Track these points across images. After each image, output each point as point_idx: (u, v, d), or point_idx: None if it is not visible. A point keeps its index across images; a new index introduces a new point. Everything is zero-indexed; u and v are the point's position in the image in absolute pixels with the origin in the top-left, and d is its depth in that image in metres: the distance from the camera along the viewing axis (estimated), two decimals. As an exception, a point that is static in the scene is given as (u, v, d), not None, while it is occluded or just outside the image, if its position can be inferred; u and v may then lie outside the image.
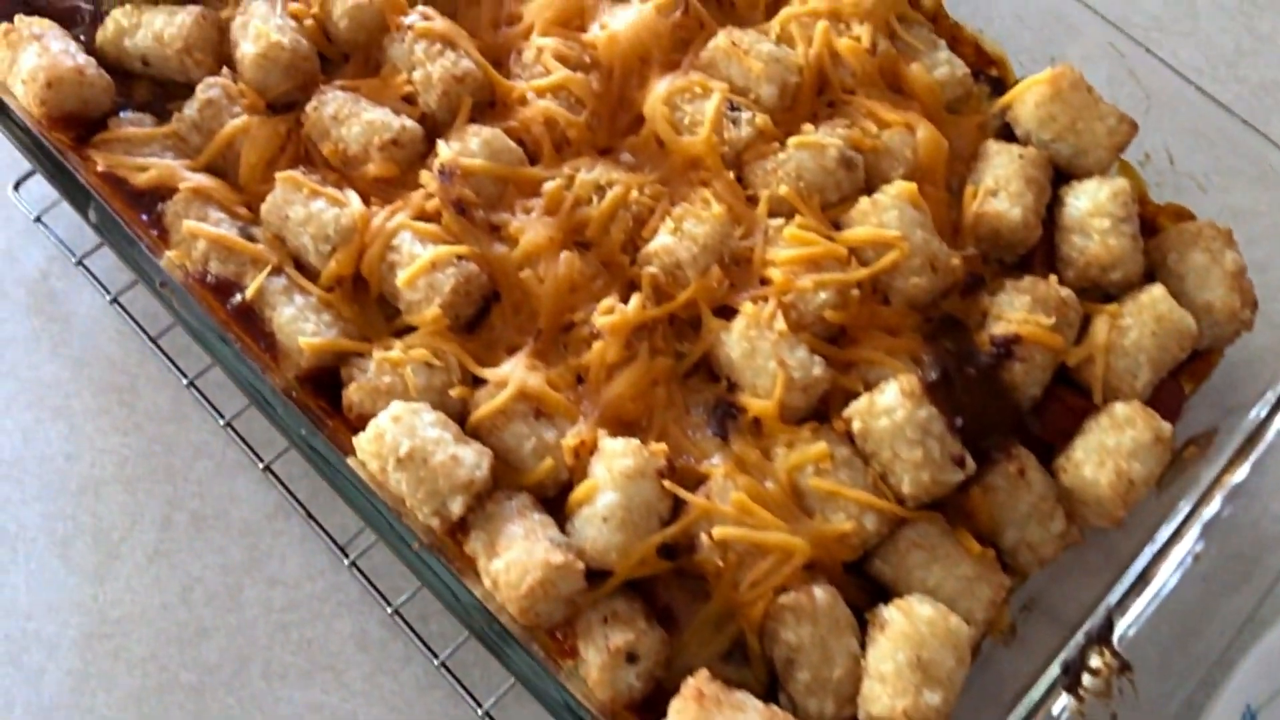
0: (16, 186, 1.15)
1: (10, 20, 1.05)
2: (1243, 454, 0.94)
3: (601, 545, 0.87)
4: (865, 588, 0.92)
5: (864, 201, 0.99)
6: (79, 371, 1.11)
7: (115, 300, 1.10)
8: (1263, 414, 0.96)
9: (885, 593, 0.91)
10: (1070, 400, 0.99)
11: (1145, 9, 1.35)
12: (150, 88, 1.06)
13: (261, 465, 1.04)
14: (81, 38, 1.06)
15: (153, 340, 1.09)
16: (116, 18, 1.05)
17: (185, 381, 1.07)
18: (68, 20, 1.07)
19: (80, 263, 1.11)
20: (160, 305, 0.96)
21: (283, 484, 1.03)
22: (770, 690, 0.88)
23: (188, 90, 1.05)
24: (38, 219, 1.14)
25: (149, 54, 1.04)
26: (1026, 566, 0.94)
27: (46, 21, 1.03)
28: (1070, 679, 0.86)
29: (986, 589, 0.90)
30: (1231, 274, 1.00)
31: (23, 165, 1.15)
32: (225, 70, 1.04)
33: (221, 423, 1.06)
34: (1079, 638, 0.87)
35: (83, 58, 1.01)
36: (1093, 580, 0.92)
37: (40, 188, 1.14)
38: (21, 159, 1.08)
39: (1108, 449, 0.93)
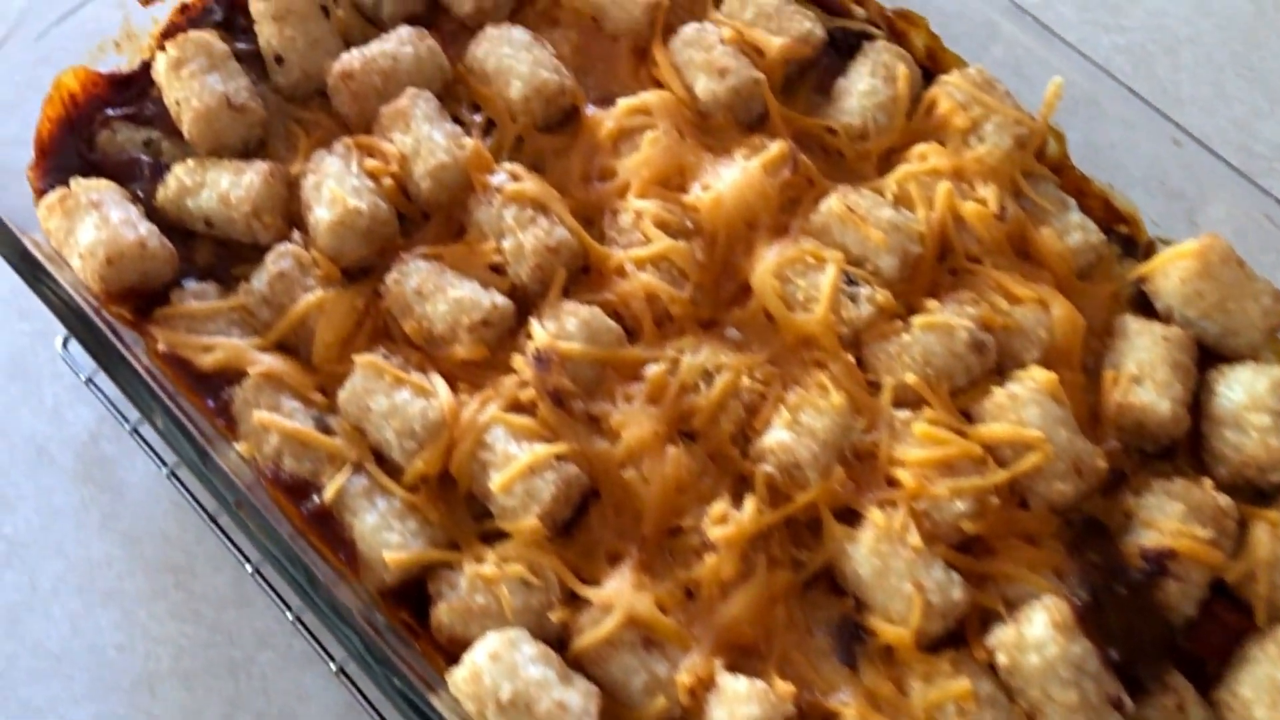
0: (65, 344, 1.07)
1: (65, 177, 0.97)
2: None
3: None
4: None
5: (1000, 394, 0.90)
6: (132, 549, 1.03)
7: (173, 474, 1.02)
8: None
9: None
10: (1227, 617, 0.90)
11: None
12: (213, 248, 0.98)
13: (334, 667, 0.95)
14: (139, 193, 0.98)
15: (212, 520, 1.00)
16: (179, 175, 0.96)
17: (249, 569, 0.98)
18: (126, 174, 0.98)
19: (135, 431, 1.03)
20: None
21: (357, 689, 0.95)
22: None
23: (253, 251, 0.97)
24: (89, 381, 1.05)
25: (213, 216, 0.96)
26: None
27: (104, 183, 0.95)
28: None
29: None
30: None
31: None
32: (296, 234, 0.96)
33: (290, 616, 0.97)
34: None
35: (144, 227, 0.92)
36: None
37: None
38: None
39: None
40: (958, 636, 0.86)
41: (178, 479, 1.02)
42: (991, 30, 1.06)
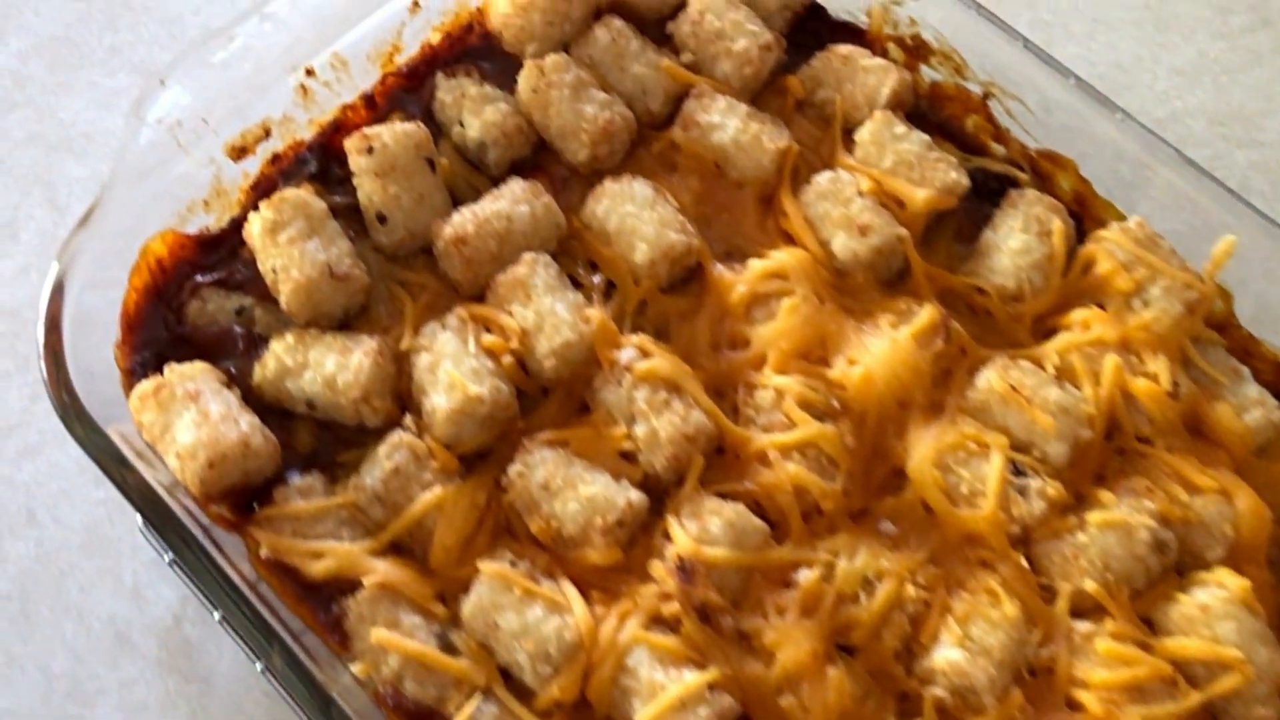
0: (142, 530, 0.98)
1: (154, 354, 0.89)
2: None
3: None
4: None
5: (1189, 604, 0.83)
6: (222, 750, 0.95)
7: (268, 669, 0.93)
8: None
9: None
10: None
11: None
12: (314, 430, 0.90)
13: None
14: (233, 370, 0.90)
15: None
16: (278, 354, 0.88)
17: (354, 773, 0.90)
18: (218, 349, 0.90)
19: (224, 621, 0.94)
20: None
21: None
22: None
23: (359, 434, 0.89)
24: (173, 562, 0.97)
25: (317, 399, 0.87)
26: None
27: (199, 368, 0.87)
28: None
29: None
30: None
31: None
32: (407, 417, 0.87)
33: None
34: None
35: (245, 421, 0.84)
36: None
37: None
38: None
39: None
40: None
41: (273, 674, 0.94)
42: (1139, 170, 0.98)
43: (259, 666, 0.93)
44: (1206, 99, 1.22)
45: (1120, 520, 0.84)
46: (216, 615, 0.94)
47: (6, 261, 1.11)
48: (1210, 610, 0.82)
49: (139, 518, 0.98)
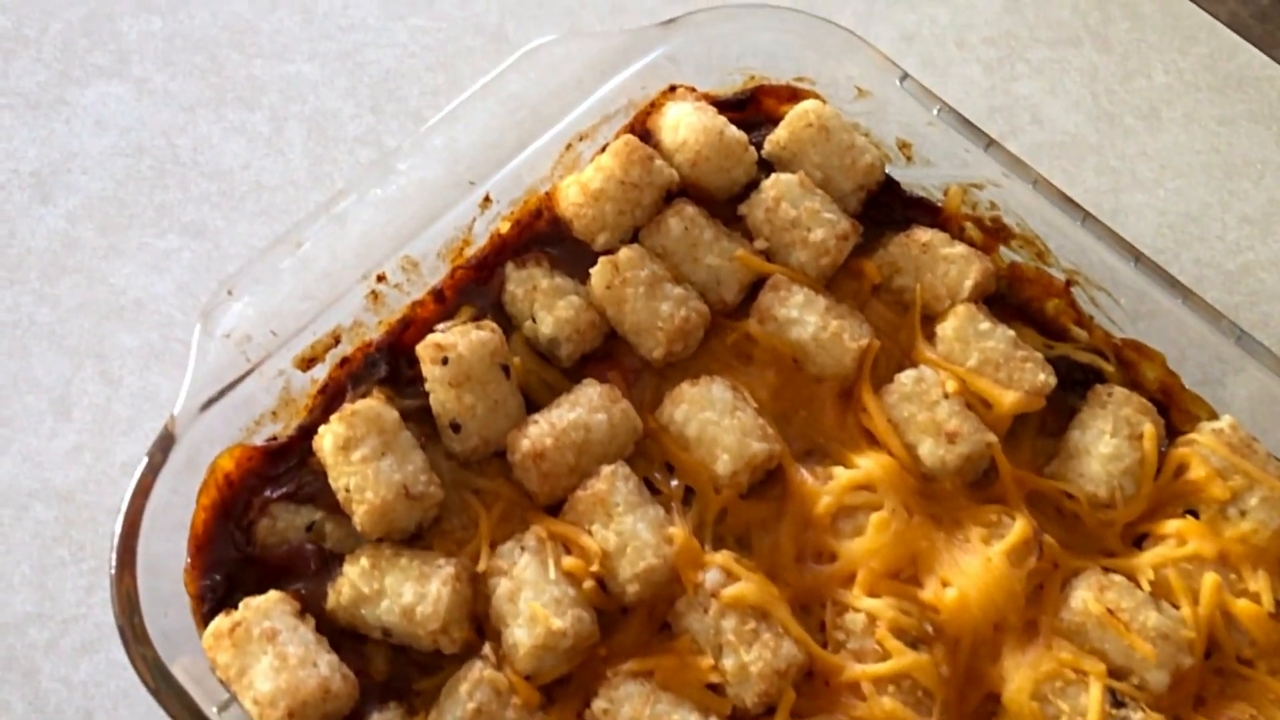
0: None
1: (223, 577, 0.87)
2: None
3: None
4: None
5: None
6: None
7: None
8: None
9: None
10: None
11: None
12: (388, 655, 0.87)
13: None
14: (304, 590, 0.87)
15: None
16: (354, 581, 0.85)
17: None
18: (290, 569, 0.88)
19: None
20: None
21: None
22: None
23: (433, 660, 0.86)
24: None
25: (393, 628, 0.85)
26: None
27: (273, 599, 0.84)
28: None
29: None
30: None
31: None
32: (486, 646, 0.85)
33: None
34: None
35: (324, 662, 0.81)
36: None
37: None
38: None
39: None
40: None
41: None
42: (1225, 363, 0.96)
43: None
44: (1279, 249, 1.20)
45: (1228, 757, 0.82)
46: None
47: (59, 441, 1.08)
48: None
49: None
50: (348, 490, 0.87)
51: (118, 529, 0.83)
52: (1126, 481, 0.91)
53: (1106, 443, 0.92)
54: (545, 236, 1.00)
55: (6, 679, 0.99)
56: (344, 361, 0.94)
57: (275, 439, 0.92)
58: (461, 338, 0.90)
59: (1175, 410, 0.97)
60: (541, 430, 0.89)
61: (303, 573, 0.88)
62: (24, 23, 1.26)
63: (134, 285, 1.15)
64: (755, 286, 0.98)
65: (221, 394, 0.87)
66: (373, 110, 1.24)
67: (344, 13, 1.29)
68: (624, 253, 0.95)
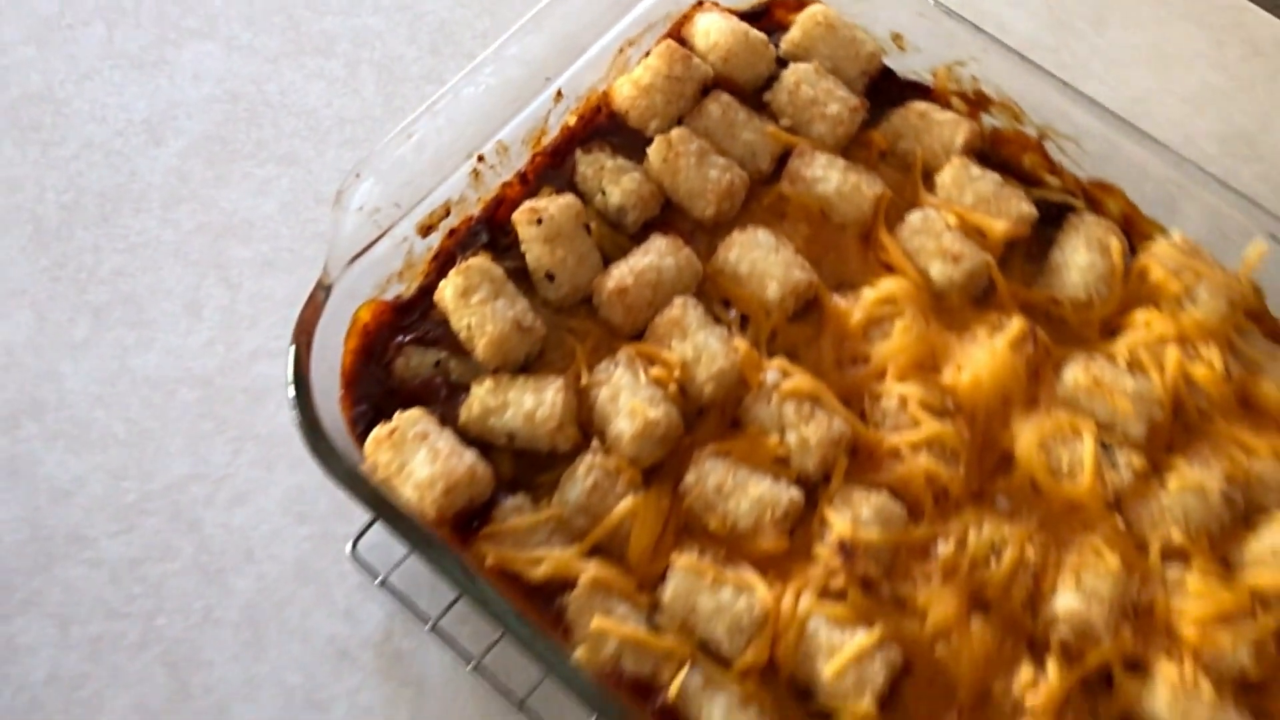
0: (354, 547, 1.14)
1: (369, 406, 1.05)
2: None
3: None
4: None
5: (1259, 547, 1.00)
6: (443, 739, 1.10)
7: (477, 667, 1.09)
8: None
9: None
10: None
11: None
12: (512, 460, 1.06)
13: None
14: (436, 413, 1.06)
15: (523, 704, 1.07)
16: (481, 398, 1.04)
17: (565, 746, 1.06)
18: (424, 397, 1.06)
19: (434, 628, 1.10)
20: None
21: None
22: None
23: (548, 460, 1.05)
24: (382, 582, 1.12)
25: (517, 432, 1.04)
26: None
27: (417, 413, 1.02)
28: None
29: None
30: None
31: (354, 525, 1.15)
32: (594, 442, 1.04)
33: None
34: None
35: (468, 454, 1.00)
36: None
37: (378, 550, 1.14)
38: (359, 512, 1.12)
39: None
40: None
41: (481, 670, 1.09)
42: (1174, 190, 1.17)
43: (469, 666, 1.10)
44: (1213, 123, 1.41)
45: (1194, 482, 1.02)
46: (427, 625, 1.11)
47: (195, 336, 1.26)
48: (1277, 549, 1.00)
49: (348, 547, 1.15)
50: (469, 328, 1.07)
51: (290, 357, 1.00)
52: (1100, 286, 1.12)
53: (1082, 256, 1.13)
54: (605, 128, 1.20)
55: (176, 528, 1.17)
56: (452, 232, 1.13)
57: (400, 297, 1.11)
58: (551, 202, 1.10)
59: (1135, 233, 1.17)
60: (622, 272, 1.09)
61: (435, 400, 1.07)
62: (124, -5, 1.45)
63: (242, 207, 1.33)
64: (783, 159, 1.19)
65: (361, 254, 1.06)
66: (432, 53, 1.43)
67: (399, -26, 1.48)
68: (676, 131, 1.15)
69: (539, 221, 1.08)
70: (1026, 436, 1.05)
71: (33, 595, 1.14)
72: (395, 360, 1.08)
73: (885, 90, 1.24)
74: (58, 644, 1.12)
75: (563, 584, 0.99)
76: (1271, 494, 1.04)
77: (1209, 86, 1.45)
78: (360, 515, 1.14)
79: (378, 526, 1.13)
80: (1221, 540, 1.02)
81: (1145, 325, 1.10)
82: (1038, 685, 0.96)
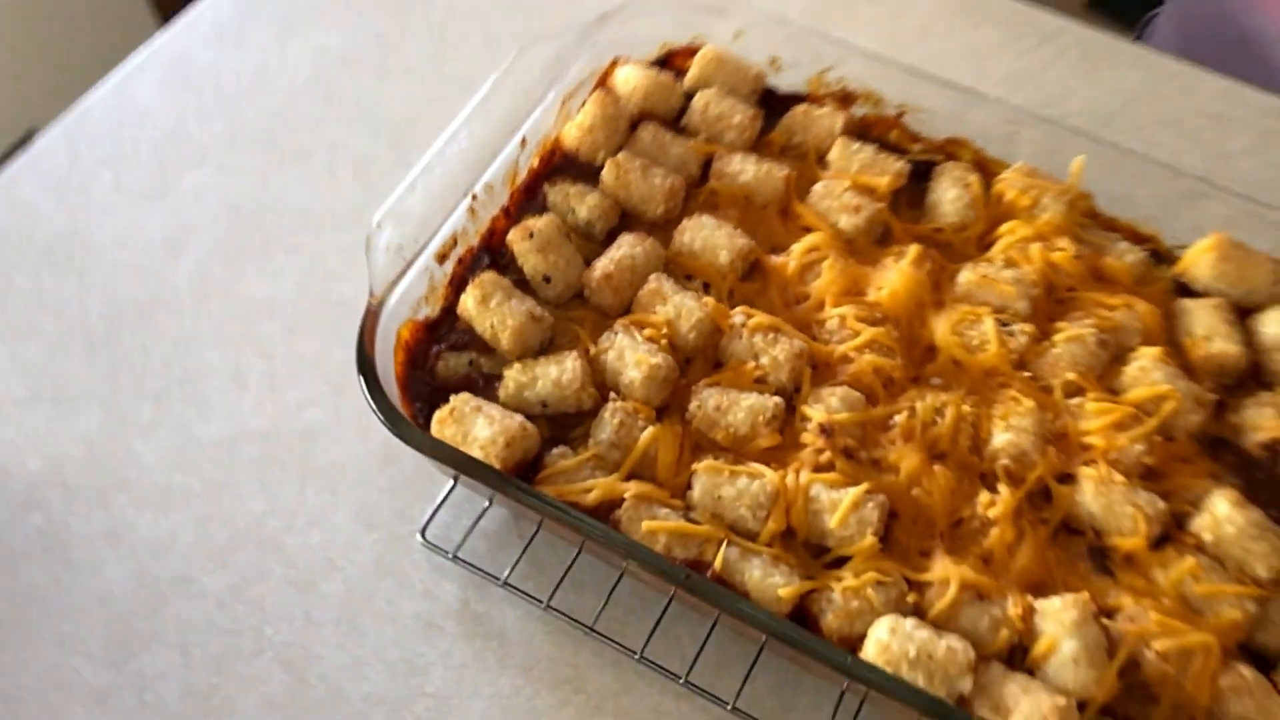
0: (424, 534, 1.35)
1: (424, 405, 1.28)
2: None
3: (1080, 682, 1.11)
4: (1252, 660, 1.18)
5: (1130, 370, 1.30)
6: (529, 675, 1.29)
7: (550, 607, 1.30)
8: None
9: (1267, 660, 1.17)
10: (1326, 473, 1.29)
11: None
12: (547, 423, 1.29)
13: (728, 706, 1.24)
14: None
15: (592, 629, 1.28)
16: (514, 377, 1.29)
17: (636, 656, 1.27)
18: (466, 389, 1.30)
19: (507, 584, 1.31)
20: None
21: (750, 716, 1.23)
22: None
23: (575, 419, 1.29)
24: (455, 557, 1.33)
25: (549, 398, 1.28)
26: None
27: (467, 395, 1.26)
28: None
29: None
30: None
31: (419, 514, 1.36)
32: (612, 395, 1.28)
33: (680, 682, 1.25)
34: None
35: (518, 416, 1.24)
36: None
37: (442, 530, 1.35)
38: (417, 510, 1.34)
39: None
40: (1166, 536, 1.23)
41: (553, 609, 1.30)
42: (1011, 133, 1.50)
43: (540, 607, 1.31)
44: (1027, 97, 1.77)
45: (1074, 334, 1.32)
46: (499, 582, 1.32)
47: (245, 400, 1.47)
48: (1145, 369, 1.29)
49: (418, 536, 1.36)
50: (492, 327, 1.31)
51: (360, 370, 1.23)
52: (968, 212, 1.43)
53: (951, 192, 1.44)
54: (562, 165, 1.48)
55: (264, 556, 1.36)
56: (460, 260, 1.38)
57: (428, 317, 1.35)
58: (537, 220, 1.37)
59: (987, 172, 1.49)
60: (604, 263, 1.36)
61: (474, 390, 1.30)
62: (123, 138, 1.69)
63: (262, 293, 1.56)
64: (707, 165, 1.48)
65: (395, 283, 1.30)
66: (394, 147, 1.71)
67: (353, 88, 1.76)
68: (620, 155, 1.44)
69: (531, 235, 1.35)
70: (941, 328, 1.34)
71: (153, 633, 1.31)
72: (436, 365, 1.32)
73: (773, 104, 1.56)
74: (183, 666, 1.29)
75: (610, 505, 1.22)
76: (1131, 336, 1.35)
77: (1017, 70, 1.82)
78: (421, 510, 1.37)
79: (441, 513, 1.35)
80: (1104, 375, 1.32)
81: (1010, 232, 1.41)
82: (995, 504, 1.22)
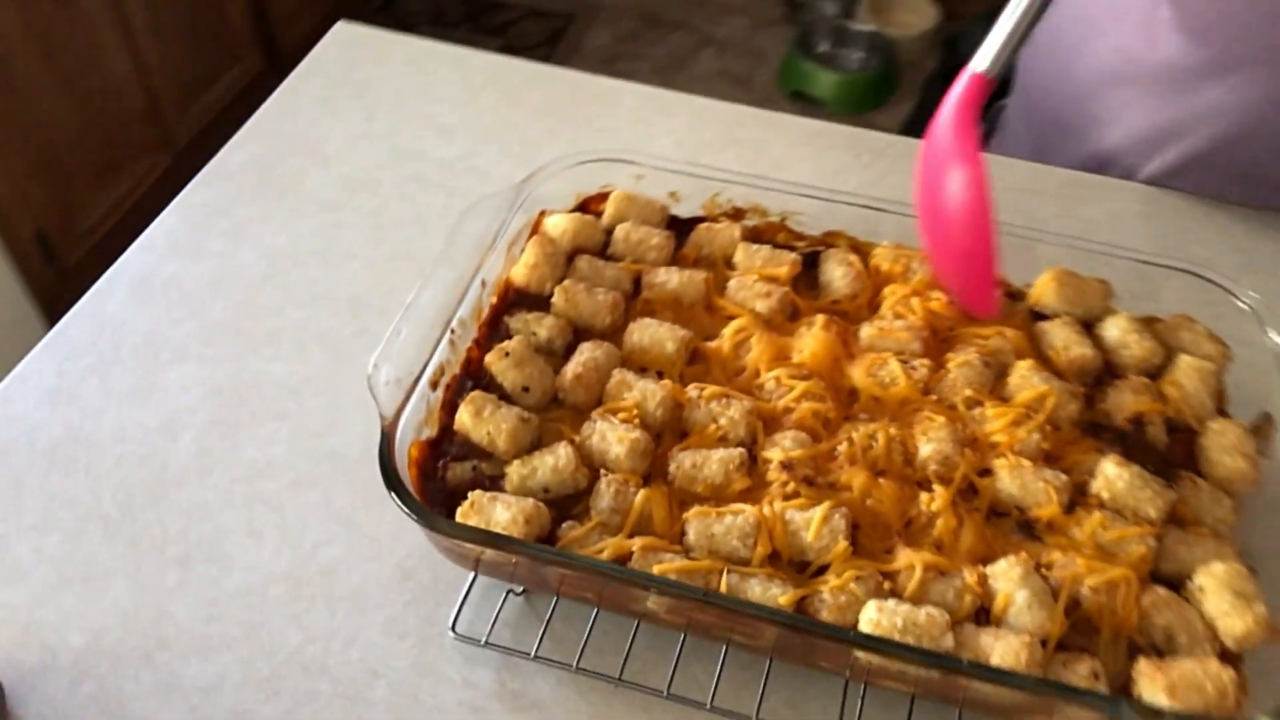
0: (454, 626, 1.51)
1: (441, 509, 1.47)
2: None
3: (1037, 623, 1.34)
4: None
5: (1013, 380, 1.59)
6: (572, 732, 1.45)
7: (579, 668, 1.47)
8: None
9: (1173, 584, 1.43)
10: (1181, 436, 1.60)
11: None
12: (549, 507, 1.49)
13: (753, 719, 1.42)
14: (488, 496, 1.49)
15: (620, 679, 1.45)
16: (516, 470, 1.49)
17: (663, 694, 1.44)
18: (475, 488, 1.49)
19: (537, 656, 1.47)
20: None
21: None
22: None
23: (573, 500, 1.49)
24: (487, 642, 1.49)
25: (549, 483, 1.48)
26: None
27: (480, 491, 1.45)
28: None
29: (1232, 551, 1.45)
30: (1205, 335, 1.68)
31: (444, 616, 1.52)
32: (601, 472, 1.50)
33: (707, 707, 1.43)
34: None
35: (529, 499, 1.44)
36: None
37: (468, 625, 1.51)
38: (441, 614, 1.50)
39: (1224, 447, 1.54)
40: (1074, 503, 1.49)
41: (582, 670, 1.47)
42: (875, 222, 1.83)
43: (570, 671, 1.47)
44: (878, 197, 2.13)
45: (964, 360, 1.60)
46: (530, 656, 1.48)
47: (264, 550, 1.61)
48: (1025, 377, 1.58)
49: (450, 634, 1.51)
50: (489, 434, 1.51)
51: (389, 486, 1.41)
52: (856, 283, 1.73)
53: (837, 270, 1.74)
54: (516, 300, 1.73)
55: (310, 679, 1.48)
56: (447, 387, 1.60)
57: (429, 437, 1.55)
58: (509, 342, 1.60)
59: (862, 253, 1.81)
60: (573, 366, 1.59)
61: (486, 488, 1.49)
62: (103, 348, 1.86)
63: (260, 458, 1.72)
64: (636, 281, 1.76)
65: (401, 409, 1.50)
66: (355, 318, 1.93)
67: (305, 276, 1.99)
68: (566, 281, 1.70)
69: (506, 354, 1.58)
70: (857, 374, 1.61)
71: (216, 764, 1.41)
72: (445, 474, 1.51)
73: (679, 226, 1.86)
74: (252, 786, 1.40)
75: (621, 560, 1.42)
76: (1007, 355, 1.64)
77: (864, 180, 2.17)
78: (445, 614, 1.53)
79: (466, 610, 1.52)
80: (994, 388, 1.61)
81: (893, 293, 1.72)
82: (934, 500, 1.47)
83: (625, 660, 1.47)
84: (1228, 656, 1.35)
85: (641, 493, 1.46)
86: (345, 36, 2.51)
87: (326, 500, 1.67)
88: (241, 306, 1.94)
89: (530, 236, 1.79)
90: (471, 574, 1.55)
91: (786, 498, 1.46)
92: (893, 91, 6.11)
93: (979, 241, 1.58)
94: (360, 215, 2.10)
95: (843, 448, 1.53)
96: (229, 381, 1.83)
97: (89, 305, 1.94)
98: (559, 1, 7.10)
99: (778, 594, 1.38)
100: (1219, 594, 1.37)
